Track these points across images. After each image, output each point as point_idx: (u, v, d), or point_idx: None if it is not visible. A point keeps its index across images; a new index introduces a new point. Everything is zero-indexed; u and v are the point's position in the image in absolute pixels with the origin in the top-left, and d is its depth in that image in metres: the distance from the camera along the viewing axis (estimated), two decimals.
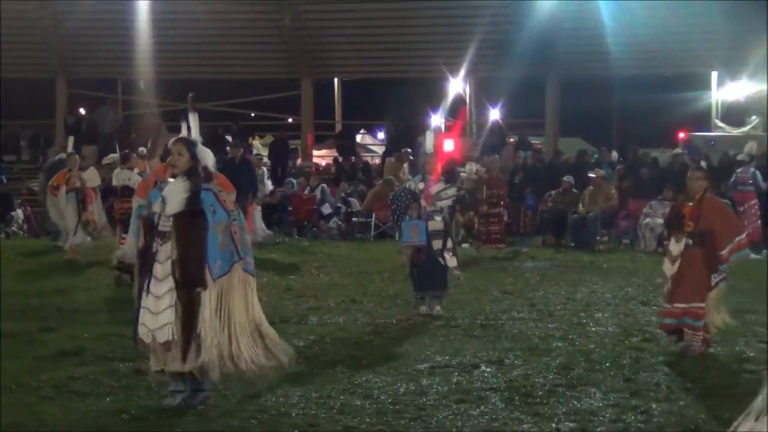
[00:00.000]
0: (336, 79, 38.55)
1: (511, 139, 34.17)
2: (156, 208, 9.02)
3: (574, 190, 25.93)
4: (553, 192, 26.61)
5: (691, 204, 12.04)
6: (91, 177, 21.43)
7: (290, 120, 39.80)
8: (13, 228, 27.92)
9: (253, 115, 40.59)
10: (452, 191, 14.74)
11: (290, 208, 28.09)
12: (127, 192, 17.95)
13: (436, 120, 36.37)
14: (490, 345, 12.64)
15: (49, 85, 35.79)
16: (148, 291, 8.92)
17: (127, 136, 33.64)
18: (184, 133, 9.43)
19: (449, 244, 14.73)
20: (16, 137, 36.78)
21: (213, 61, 35.81)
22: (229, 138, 33.52)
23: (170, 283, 8.85)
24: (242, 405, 9.67)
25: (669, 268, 12.10)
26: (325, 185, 29.50)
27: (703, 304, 11.83)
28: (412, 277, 15.01)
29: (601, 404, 9.85)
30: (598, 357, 11.86)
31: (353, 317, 14.75)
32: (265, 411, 9.43)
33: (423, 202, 14.63)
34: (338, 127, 39.28)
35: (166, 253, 8.89)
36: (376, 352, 12.40)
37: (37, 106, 36.29)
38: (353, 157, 34.31)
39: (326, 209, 28.42)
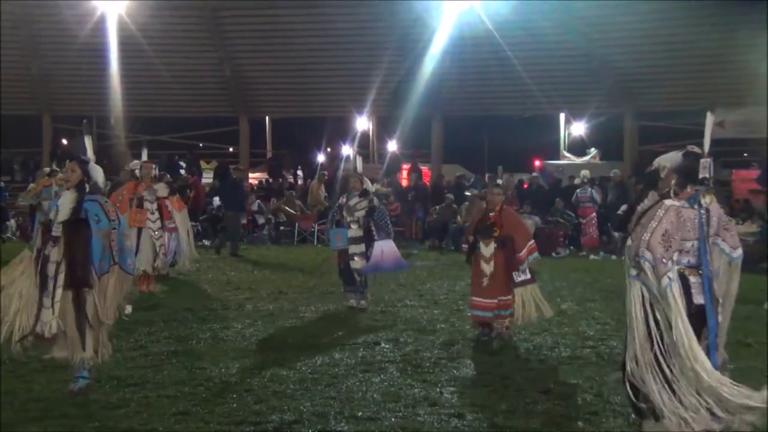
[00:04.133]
0: (267, 117, 38.47)
1: (405, 165, 34.23)
2: (51, 215, 8.71)
3: (454, 206, 26.08)
4: (438, 206, 26.76)
5: (492, 214, 11.85)
6: None
7: (231, 149, 39.66)
8: (8, 235, 27.57)
9: (201, 145, 40.30)
10: (364, 203, 14.45)
11: None
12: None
13: (347, 150, 36.37)
14: (388, 327, 12.65)
15: (37, 120, 35.35)
16: (45, 289, 8.50)
17: (99, 162, 33.18)
18: (89, 153, 9.17)
19: (364, 248, 14.26)
20: (10, 162, 36.30)
21: (169, 102, 35.58)
22: (182, 164, 33.29)
23: (53, 281, 8.49)
24: (192, 374, 9.59)
25: (486, 267, 11.67)
26: (259, 200, 29.41)
27: (509, 297, 11.62)
28: (341, 276, 14.58)
29: (474, 373, 9.93)
30: (472, 336, 11.91)
31: (281, 305, 14.66)
32: (210, 380, 9.37)
33: (345, 213, 14.49)
34: (269, 155, 39.22)
35: (55, 255, 8.54)
36: (298, 332, 12.36)
37: (26, 137, 35.84)
38: (280, 179, 34.21)
39: (260, 220, 28.33)
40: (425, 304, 14.93)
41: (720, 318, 6.31)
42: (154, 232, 15.60)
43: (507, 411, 8.22)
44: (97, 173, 8.94)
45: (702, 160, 6.38)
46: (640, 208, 6.61)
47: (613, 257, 22.17)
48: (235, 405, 8.40)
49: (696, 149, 6.54)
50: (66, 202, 8.62)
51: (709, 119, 6.65)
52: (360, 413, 8.14)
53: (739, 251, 6.42)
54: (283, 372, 9.75)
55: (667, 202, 6.31)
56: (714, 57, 28.81)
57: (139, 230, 15.50)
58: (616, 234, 23.90)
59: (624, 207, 23.50)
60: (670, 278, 6.09)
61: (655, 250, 6.10)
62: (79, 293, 8.51)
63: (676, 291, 6.12)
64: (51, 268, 8.52)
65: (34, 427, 7.66)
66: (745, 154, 32.64)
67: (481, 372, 9.95)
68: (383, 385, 9.25)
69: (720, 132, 27.49)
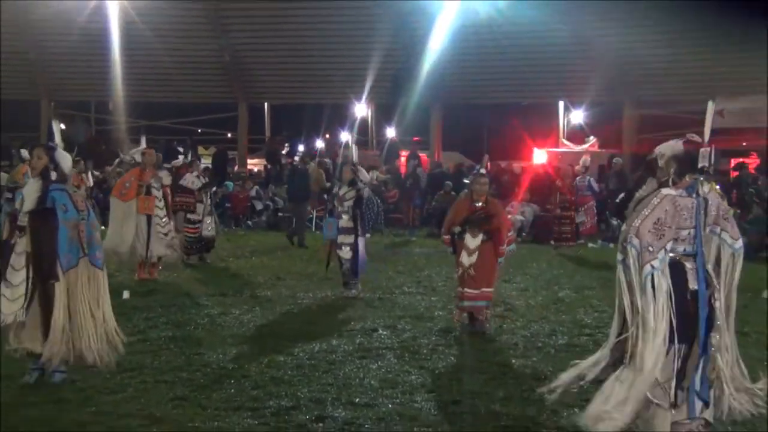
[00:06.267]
0: (266, 104, 38.46)
1: (404, 153, 34.21)
2: (17, 205, 8.43)
3: (453, 193, 26.05)
4: (436, 194, 26.80)
5: (479, 204, 11.60)
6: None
7: (229, 135, 39.68)
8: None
9: (199, 131, 40.35)
10: (352, 193, 14.34)
11: (228, 205, 27.95)
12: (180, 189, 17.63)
13: (345, 136, 36.34)
14: (386, 313, 12.66)
15: (35, 105, 35.33)
16: (5, 279, 8.28)
17: (98, 147, 33.28)
18: (57, 138, 8.87)
19: (353, 239, 14.12)
20: (9, 146, 36.31)
21: (168, 88, 35.59)
22: (180, 149, 33.19)
23: (24, 273, 8.26)
24: (189, 360, 9.60)
25: (467, 259, 11.41)
26: (257, 186, 29.41)
27: (491, 289, 11.56)
28: (339, 267, 14.38)
29: (471, 360, 9.93)
30: (469, 323, 11.90)
31: (278, 291, 14.68)
32: (208, 365, 9.38)
33: (336, 203, 14.44)
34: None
35: (22, 245, 8.30)
36: (296, 318, 12.38)
37: (25, 122, 35.80)
38: (278, 165, 34.22)
39: (258, 206, 28.35)
40: (423, 291, 14.95)
41: (720, 305, 6.29)
42: (161, 219, 15.57)
43: (504, 398, 8.23)
44: (64, 160, 8.60)
45: (702, 149, 6.35)
46: (637, 195, 6.59)
47: (611, 245, 22.15)
48: (232, 391, 8.41)
49: (696, 138, 6.50)
50: (31, 191, 8.36)
51: (710, 108, 6.61)
52: (357, 399, 8.15)
53: (740, 242, 6.40)
54: (281, 358, 9.75)
55: (664, 190, 6.29)
56: (713, 46, 28.77)
57: (149, 217, 15.47)
58: (614, 222, 23.90)
59: (622, 195, 23.61)
60: (653, 266, 6.05)
61: (643, 237, 6.07)
62: (46, 287, 8.29)
63: (657, 280, 6.10)
64: (15, 259, 8.32)
65: (31, 412, 7.67)
66: (744, 144, 32.59)
67: (478, 359, 9.95)
68: (381, 371, 9.27)
69: (719, 121, 27.42)
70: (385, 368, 9.41)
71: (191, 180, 17.74)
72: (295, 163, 27.20)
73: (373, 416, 7.70)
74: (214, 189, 28.08)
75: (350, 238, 14.11)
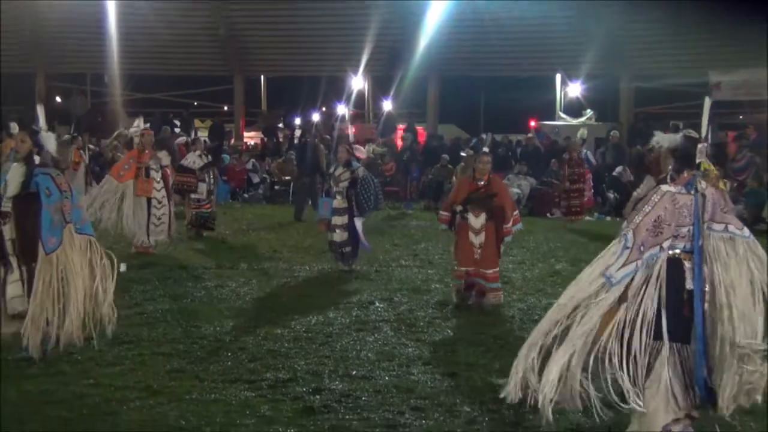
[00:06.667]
0: (262, 76, 38.35)
1: (401, 126, 34.10)
2: (1, 190, 8.33)
3: (449, 166, 26.03)
4: (433, 167, 26.76)
5: (481, 183, 11.56)
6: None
7: (225, 108, 39.56)
8: None
9: (195, 104, 40.15)
10: (347, 174, 14.26)
11: (224, 178, 27.90)
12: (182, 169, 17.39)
13: (342, 109, 36.21)
14: (382, 286, 12.70)
15: (30, 78, 35.21)
16: (9, 265, 8.26)
17: (95, 120, 33.14)
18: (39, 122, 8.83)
19: (347, 220, 13.99)
20: (8, 118, 36.18)
21: (164, 60, 35.39)
22: (176, 122, 33.09)
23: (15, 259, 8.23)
24: (187, 332, 9.63)
25: (477, 239, 11.34)
26: (254, 159, 29.38)
27: (494, 269, 11.46)
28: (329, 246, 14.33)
29: (468, 332, 9.97)
30: (465, 296, 11.90)
31: (275, 264, 14.69)
32: (205, 338, 9.42)
33: (332, 183, 14.38)
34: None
35: (9, 231, 8.26)
36: (292, 291, 12.42)
37: (21, 94, 35.66)
38: (275, 138, 34.16)
39: (255, 178, 28.34)
40: (420, 264, 14.97)
41: (717, 302, 6.25)
42: (159, 201, 15.46)
43: (500, 370, 8.22)
44: (49, 142, 8.59)
45: (699, 145, 6.35)
46: (635, 194, 6.61)
47: (608, 218, 22.21)
48: (229, 363, 8.45)
49: (693, 133, 6.52)
50: (15, 176, 8.29)
51: (707, 104, 6.58)
52: (354, 372, 8.19)
53: (747, 230, 6.39)
54: (278, 330, 9.79)
55: (663, 187, 6.28)
56: (709, 18, 28.62)
57: (148, 200, 15.32)
58: (611, 195, 23.91)
59: (619, 168, 23.61)
60: (637, 266, 6.04)
61: (639, 234, 6.06)
62: (31, 269, 8.20)
63: (624, 285, 6.08)
64: (8, 245, 8.27)
65: (29, 385, 7.69)
66: (741, 117, 32.53)
67: (474, 332, 9.99)
68: (377, 344, 9.31)
69: (716, 94, 27.38)
70: (382, 341, 9.45)
71: (193, 159, 17.64)
72: (305, 136, 26.98)
73: (369, 388, 7.73)
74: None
75: (343, 219, 14.05)
